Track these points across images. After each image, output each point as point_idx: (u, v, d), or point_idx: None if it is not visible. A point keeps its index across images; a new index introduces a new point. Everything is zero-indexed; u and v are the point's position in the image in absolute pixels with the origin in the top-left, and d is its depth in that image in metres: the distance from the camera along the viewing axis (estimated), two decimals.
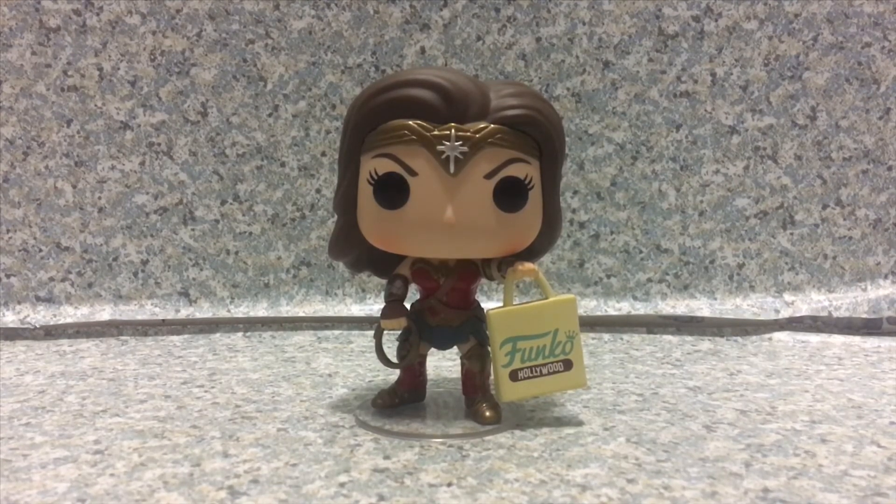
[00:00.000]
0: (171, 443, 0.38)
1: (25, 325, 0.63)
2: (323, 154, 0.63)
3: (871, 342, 0.59)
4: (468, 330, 0.40)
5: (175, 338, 0.62)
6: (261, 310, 0.64)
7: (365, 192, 0.37)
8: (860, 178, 0.63)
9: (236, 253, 0.64)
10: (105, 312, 0.63)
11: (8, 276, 0.64)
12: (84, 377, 0.50)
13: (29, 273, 0.64)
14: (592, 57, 0.62)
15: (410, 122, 0.36)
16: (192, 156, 0.63)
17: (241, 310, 0.64)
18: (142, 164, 0.63)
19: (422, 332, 0.39)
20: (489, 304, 0.40)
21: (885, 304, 0.62)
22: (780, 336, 0.61)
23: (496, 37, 0.62)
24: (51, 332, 0.63)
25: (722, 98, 0.62)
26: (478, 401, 0.40)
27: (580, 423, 0.40)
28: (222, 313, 0.63)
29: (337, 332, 0.63)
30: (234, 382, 0.49)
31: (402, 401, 0.42)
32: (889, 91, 0.62)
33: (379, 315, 0.39)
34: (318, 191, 0.64)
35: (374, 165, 0.37)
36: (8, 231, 0.64)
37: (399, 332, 0.40)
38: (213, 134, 0.63)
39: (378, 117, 0.36)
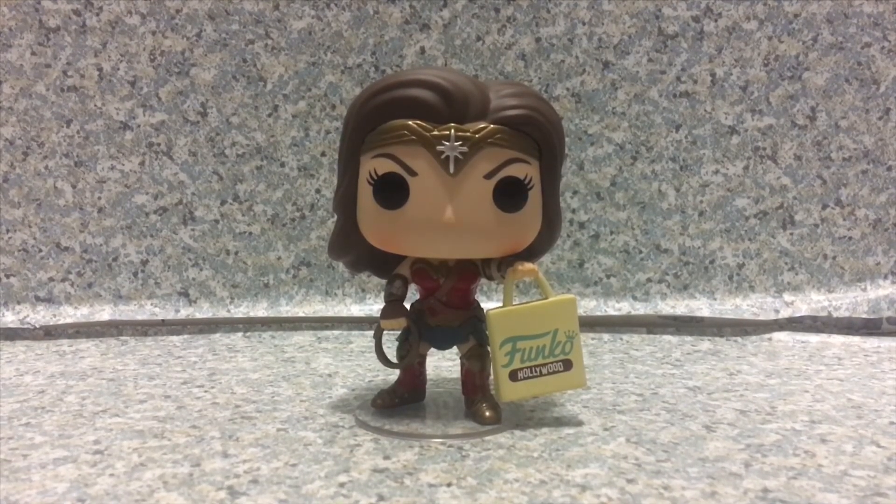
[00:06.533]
0: (171, 443, 0.38)
1: (25, 325, 0.63)
2: (323, 154, 0.63)
3: (871, 342, 0.59)
4: (468, 330, 0.40)
5: (175, 338, 0.62)
6: (261, 310, 0.64)
7: (365, 192, 0.37)
8: (860, 178, 0.63)
9: (236, 253, 0.64)
10: (105, 312, 0.63)
11: (8, 276, 0.64)
12: (84, 377, 0.50)
13: (29, 273, 0.64)
14: (592, 57, 0.62)
15: (410, 122, 0.36)
16: (192, 156, 0.63)
17: (241, 310, 0.64)
18: (142, 164, 0.63)
19: (422, 332, 0.39)
20: (489, 304, 0.40)
21: (885, 304, 0.62)
22: (780, 336, 0.61)
23: (496, 37, 0.62)
24: (51, 333, 0.63)
25: (722, 98, 0.62)
26: (478, 401, 0.40)
27: (580, 423, 0.40)
28: (222, 313, 0.63)
29: (337, 333, 0.63)
30: (234, 382, 0.49)
31: (401, 401, 0.42)
32: (889, 91, 0.62)
33: (379, 315, 0.39)
34: (318, 191, 0.64)
35: (373, 165, 0.37)
36: (8, 231, 0.64)
37: (399, 332, 0.40)
38: (212, 134, 0.63)
39: (378, 117, 0.36)
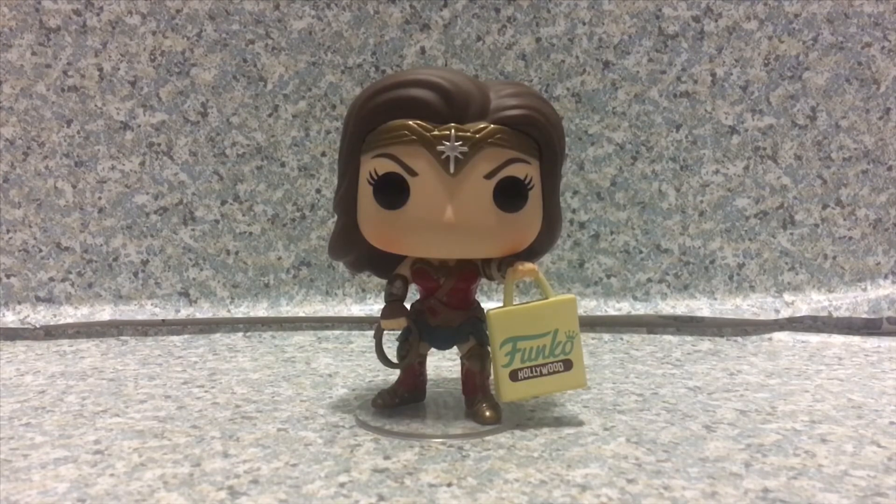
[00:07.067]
0: (171, 443, 0.38)
1: (25, 325, 0.63)
2: (323, 154, 0.63)
3: (871, 342, 0.59)
4: (468, 330, 0.40)
5: (175, 338, 0.62)
6: (261, 310, 0.64)
7: (365, 193, 0.37)
8: (860, 178, 0.63)
9: (236, 253, 0.64)
10: (105, 312, 0.63)
11: (8, 276, 0.64)
12: (84, 377, 0.50)
13: (29, 273, 0.64)
14: (592, 57, 0.62)
15: (410, 123, 0.36)
16: (192, 156, 0.63)
17: (241, 310, 0.64)
18: (142, 164, 0.63)
19: (422, 332, 0.40)
20: (489, 304, 0.40)
21: (885, 304, 0.62)
22: (780, 336, 0.61)
23: (496, 37, 0.62)
24: (51, 332, 0.63)
25: (722, 98, 0.62)
26: (478, 401, 0.40)
27: (580, 423, 0.40)
28: (222, 313, 0.63)
29: (337, 333, 0.63)
30: (234, 382, 0.49)
31: (402, 401, 0.42)
32: (889, 91, 0.62)
33: (379, 315, 0.39)
34: (318, 191, 0.64)
35: (374, 165, 0.37)
36: (8, 231, 0.64)
37: (399, 332, 0.40)
38: (213, 134, 0.63)
39: (378, 117, 0.36)
